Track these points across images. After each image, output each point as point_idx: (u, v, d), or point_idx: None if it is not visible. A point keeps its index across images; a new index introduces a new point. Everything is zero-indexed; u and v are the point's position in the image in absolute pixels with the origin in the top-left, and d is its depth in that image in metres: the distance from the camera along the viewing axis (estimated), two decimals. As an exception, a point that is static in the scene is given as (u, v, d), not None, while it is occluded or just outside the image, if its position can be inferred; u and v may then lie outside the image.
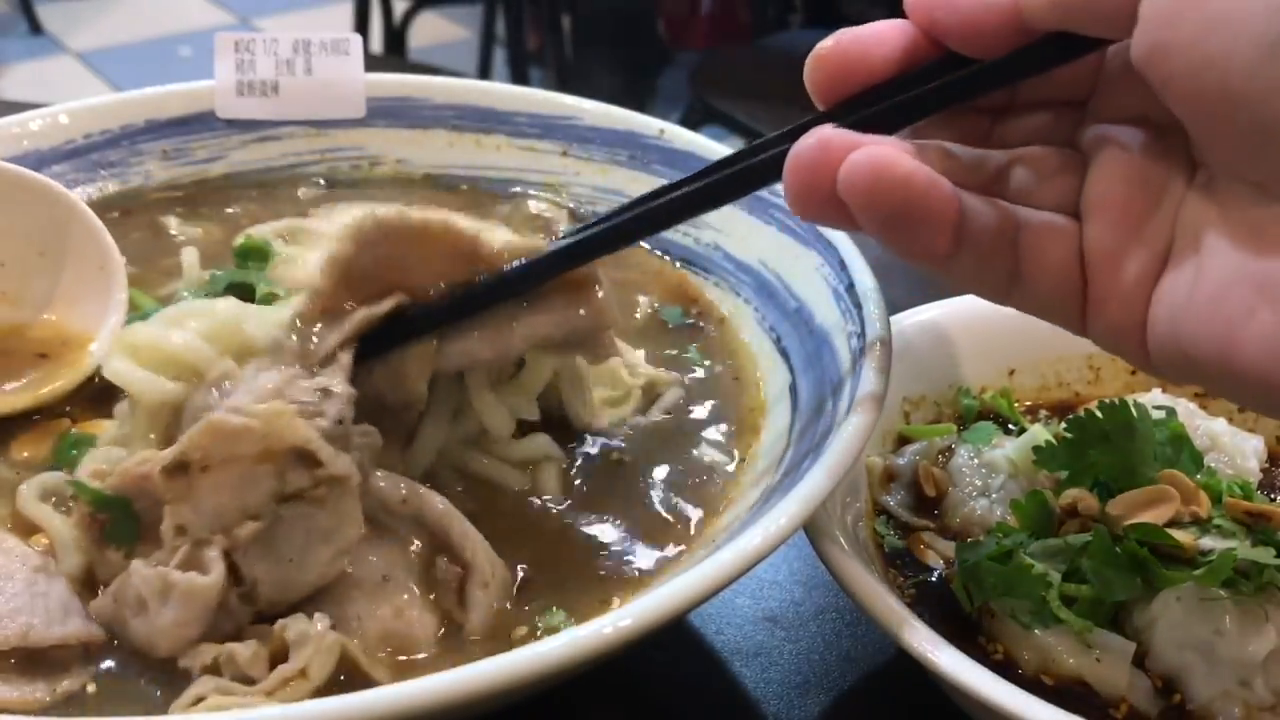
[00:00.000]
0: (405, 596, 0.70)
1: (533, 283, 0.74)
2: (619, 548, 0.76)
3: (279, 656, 0.64)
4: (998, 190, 0.65)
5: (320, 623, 0.64)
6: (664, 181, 1.09)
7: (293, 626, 0.64)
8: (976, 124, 0.69)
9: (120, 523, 0.70)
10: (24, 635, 0.66)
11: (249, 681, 0.63)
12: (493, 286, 0.74)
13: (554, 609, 0.71)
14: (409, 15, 4.69)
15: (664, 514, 0.79)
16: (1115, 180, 0.62)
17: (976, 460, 0.88)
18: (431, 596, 0.70)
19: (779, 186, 0.99)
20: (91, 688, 0.65)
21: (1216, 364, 0.57)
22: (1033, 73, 0.64)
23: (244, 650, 0.63)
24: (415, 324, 0.74)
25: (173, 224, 1.08)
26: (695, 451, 0.85)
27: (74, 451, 0.79)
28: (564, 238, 0.77)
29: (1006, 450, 0.87)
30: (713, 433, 0.88)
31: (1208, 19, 0.54)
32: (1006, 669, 0.74)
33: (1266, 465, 0.91)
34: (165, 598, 0.64)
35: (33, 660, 0.66)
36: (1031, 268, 0.63)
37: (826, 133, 0.62)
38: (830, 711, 0.81)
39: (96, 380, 0.85)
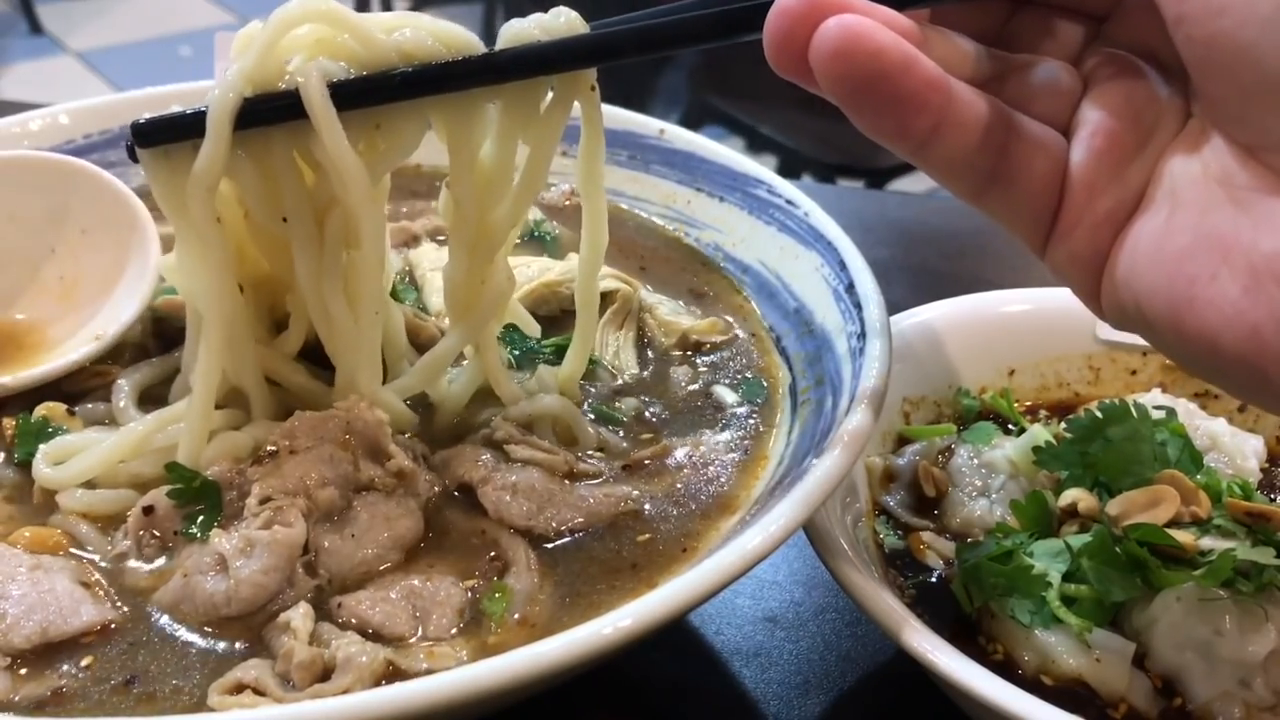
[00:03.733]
0: (440, 567, 0.73)
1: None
2: (624, 543, 0.77)
3: (328, 669, 0.65)
4: (995, 91, 0.63)
5: (368, 654, 0.65)
6: (664, 182, 1.11)
7: (344, 649, 0.65)
8: (992, 16, 0.68)
9: (208, 509, 0.73)
10: (44, 631, 0.67)
11: (289, 680, 0.64)
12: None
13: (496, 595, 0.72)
14: (409, 15, 4.69)
15: (668, 512, 0.80)
16: (1110, 109, 0.61)
17: (976, 460, 0.88)
18: (466, 583, 0.73)
19: (778, 187, 1.01)
20: (118, 678, 0.66)
21: (1167, 317, 0.57)
22: None
23: (303, 651, 0.64)
24: None
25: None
26: (699, 448, 0.85)
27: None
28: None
29: (1006, 450, 0.87)
30: (712, 431, 0.88)
31: None
32: (1006, 669, 0.74)
33: (1266, 465, 0.91)
34: (248, 553, 0.68)
35: (52, 652, 0.67)
36: (1015, 173, 0.61)
37: None
38: (830, 711, 0.82)
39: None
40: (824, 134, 2.90)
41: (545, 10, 0.75)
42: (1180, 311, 0.56)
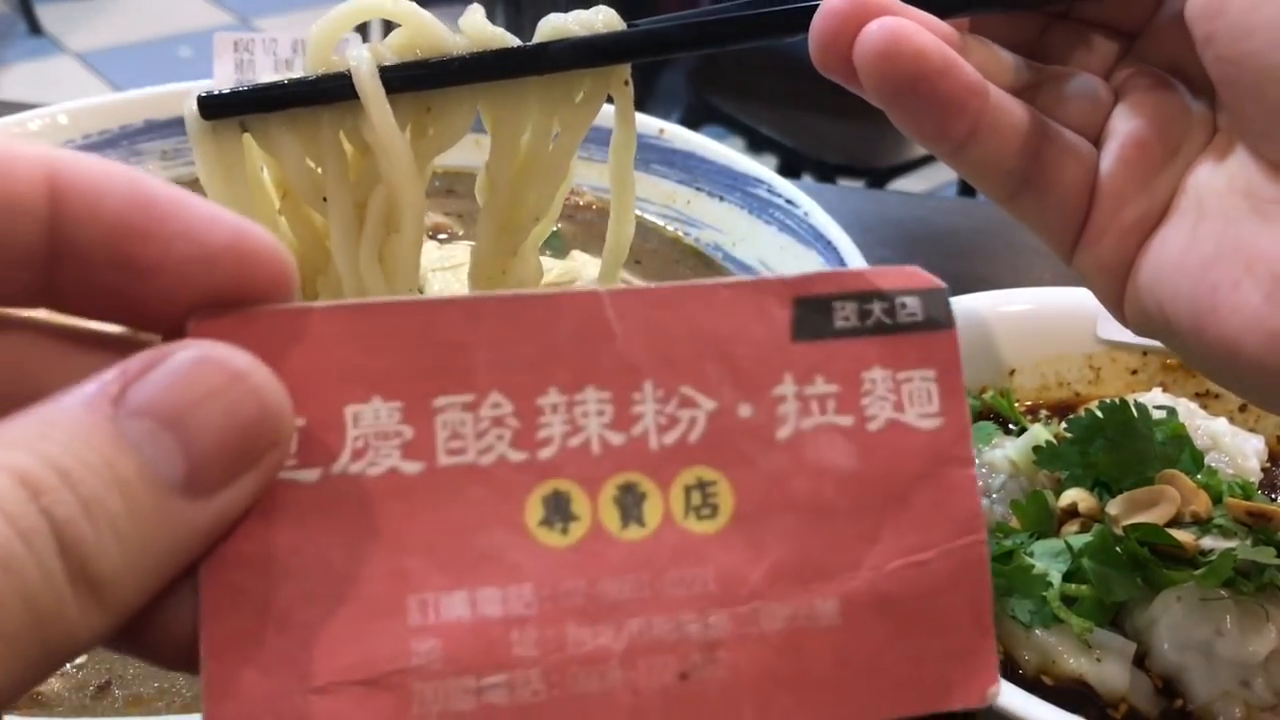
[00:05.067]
0: None
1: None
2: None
3: None
4: (1029, 99, 0.64)
5: None
6: (664, 182, 1.11)
7: None
8: (1028, 29, 0.69)
9: None
10: None
11: None
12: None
13: None
14: (409, 15, 4.68)
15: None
16: (1140, 122, 0.62)
17: (976, 460, 0.88)
18: None
19: (778, 186, 1.01)
20: (107, 677, 0.66)
21: (1189, 323, 0.58)
22: None
23: None
24: None
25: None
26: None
27: None
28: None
29: (1006, 450, 0.87)
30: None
31: None
32: (1006, 669, 0.74)
33: (1267, 465, 0.91)
34: None
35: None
36: (1048, 179, 0.62)
37: None
38: (830, 712, 0.81)
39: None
40: (824, 134, 2.90)
41: (544, 12, 0.75)
42: (1203, 317, 0.57)
